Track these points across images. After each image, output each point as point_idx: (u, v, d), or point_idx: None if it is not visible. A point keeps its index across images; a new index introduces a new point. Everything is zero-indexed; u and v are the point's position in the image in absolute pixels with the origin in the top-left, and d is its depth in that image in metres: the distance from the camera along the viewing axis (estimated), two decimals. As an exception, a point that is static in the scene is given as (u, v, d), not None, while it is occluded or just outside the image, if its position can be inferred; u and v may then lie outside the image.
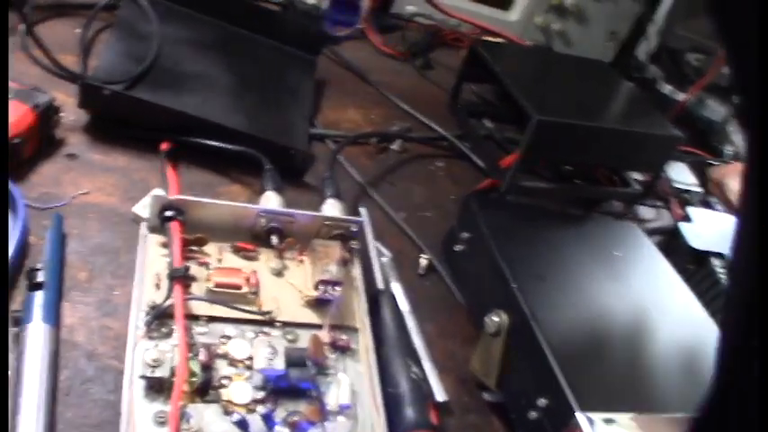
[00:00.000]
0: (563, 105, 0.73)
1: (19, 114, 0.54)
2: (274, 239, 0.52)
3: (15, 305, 0.47)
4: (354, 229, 0.54)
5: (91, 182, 0.57)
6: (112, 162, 0.60)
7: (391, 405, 0.48)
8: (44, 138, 0.57)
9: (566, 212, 0.74)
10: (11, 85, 0.56)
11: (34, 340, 0.44)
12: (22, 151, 0.54)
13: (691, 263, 0.75)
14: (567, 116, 0.70)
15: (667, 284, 0.64)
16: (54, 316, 0.46)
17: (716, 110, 1.08)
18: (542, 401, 0.49)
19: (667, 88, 0.96)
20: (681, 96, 0.96)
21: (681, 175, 0.96)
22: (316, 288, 0.50)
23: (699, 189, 0.96)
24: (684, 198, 0.91)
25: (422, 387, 0.51)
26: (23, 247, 0.50)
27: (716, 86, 1.06)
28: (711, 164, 1.01)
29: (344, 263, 0.53)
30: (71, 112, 0.61)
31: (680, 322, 0.60)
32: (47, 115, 0.56)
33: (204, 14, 0.72)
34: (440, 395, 0.54)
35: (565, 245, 0.64)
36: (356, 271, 0.54)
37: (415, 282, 0.64)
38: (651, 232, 0.77)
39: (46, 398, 0.42)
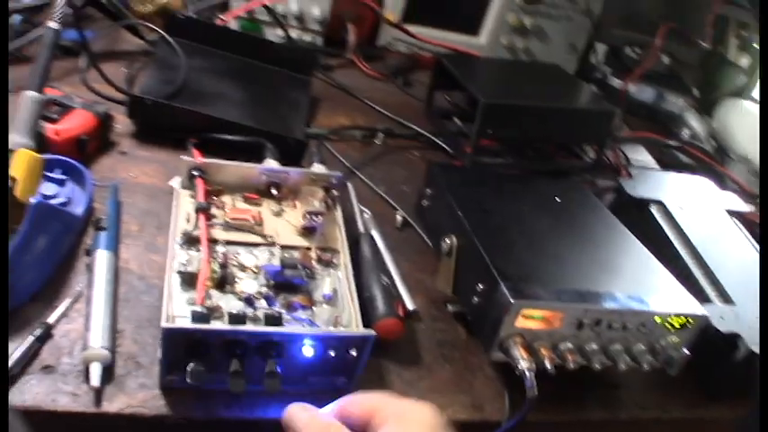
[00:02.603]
0: (509, 93, 0.90)
1: (85, 118, 0.74)
2: (273, 190, 0.69)
3: (86, 245, 0.65)
4: (335, 181, 0.71)
5: (138, 169, 0.76)
6: (154, 156, 0.79)
7: (366, 305, 0.64)
8: (103, 139, 0.77)
9: (514, 174, 0.90)
10: (78, 99, 0.76)
11: (100, 262, 0.62)
12: (87, 147, 0.74)
13: (634, 211, 0.89)
14: (511, 99, 0.87)
15: (598, 216, 0.79)
16: (114, 246, 0.64)
17: (673, 102, 1.23)
18: (480, 286, 0.64)
19: (616, 82, 1.12)
20: (629, 87, 1.12)
21: (638, 154, 1.10)
22: (303, 218, 0.67)
23: (656, 166, 1.11)
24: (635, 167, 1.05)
25: (390, 291, 0.67)
26: (89, 209, 0.68)
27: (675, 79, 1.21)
28: (670, 145, 1.16)
29: (327, 206, 0.70)
30: (122, 125, 0.81)
31: (599, 236, 0.74)
32: (105, 121, 0.76)
33: (221, 50, 0.93)
34: (410, 304, 0.69)
35: (510, 192, 0.79)
36: (338, 214, 0.71)
37: (393, 233, 0.80)
38: (598, 192, 0.92)
39: (111, 302, 0.59)
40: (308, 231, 0.68)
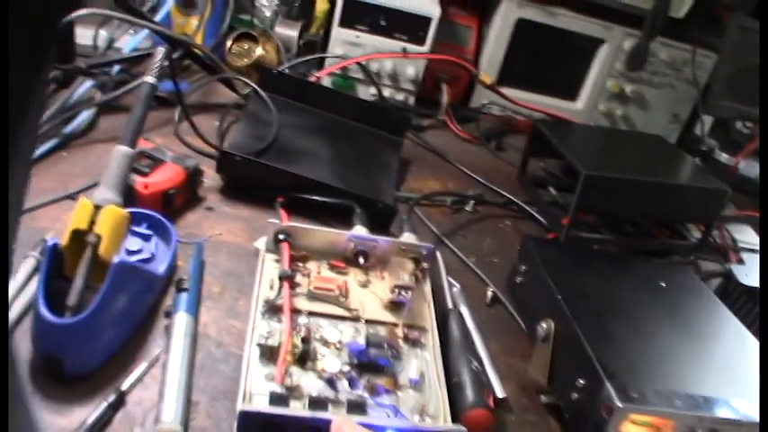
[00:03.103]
0: (611, 164, 0.85)
1: (175, 173, 0.73)
2: (361, 259, 0.66)
3: (166, 305, 0.63)
4: (425, 252, 0.67)
5: (223, 226, 0.74)
6: (239, 213, 0.77)
7: (454, 391, 0.58)
8: (191, 194, 0.76)
9: (614, 252, 0.83)
10: (169, 152, 0.75)
11: (179, 326, 0.59)
12: (175, 200, 0.72)
13: (745, 300, 0.81)
14: (614, 172, 0.81)
15: (708, 306, 0.71)
16: (194, 310, 0.62)
17: None
18: (581, 382, 0.58)
19: (723, 156, 1.04)
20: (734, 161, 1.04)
21: (745, 235, 1.02)
22: (392, 292, 0.63)
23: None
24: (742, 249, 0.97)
25: (480, 377, 0.61)
26: (172, 267, 0.66)
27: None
28: (776, 226, 1.06)
29: (416, 279, 0.66)
30: (210, 179, 0.79)
31: (711, 329, 0.67)
32: (194, 176, 0.75)
33: (313, 107, 0.92)
34: (499, 392, 0.64)
35: (611, 274, 0.73)
36: (426, 287, 0.67)
37: (481, 310, 0.75)
38: (707, 276, 0.85)
39: (187, 370, 0.56)
40: (394, 305, 0.63)
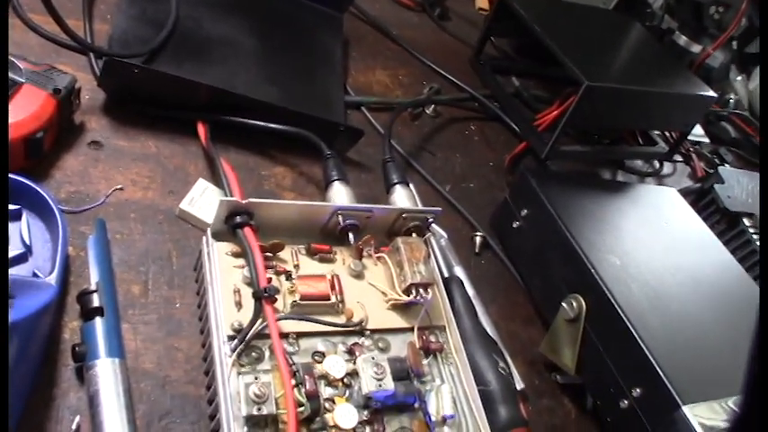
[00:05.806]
0: (607, 69, 0.70)
1: (39, 103, 0.46)
2: (351, 237, 0.47)
3: (68, 332, 0.41)
4: (431, 219, 0.50)
5: (123, 174, 0.50)
6: (141, 148, 0.52)
7: (483, 402, 0.45)
8: (64, 124, 0.49)
9: (613, 181, 0.72)
10: (22, 65, 0.47)
11: (105, 380, 0.38)
12: (43, 145, 0.46)
13: (723, 222, 0.75)
14: (613, 80, 0.67)
15: (718, 257, 0.64)
16: (120, 346, 0.41)
17: (715, 56, 1.05)
18: (637, 391, 0.47)
19: (683, 39, 0.92)
20: (695, 48, 0.93)
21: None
22: (407, 292, 0.45)
23: (706, 140, 0.96)
24: (703, 154, 0.90)
25: (511, 383, 0.49)
26: (65, 261, 0.43)
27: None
28: (718, 114, 1.00)
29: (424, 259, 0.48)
30: (87, 92, 0.53)
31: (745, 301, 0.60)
32: (68, 100, 0.48)
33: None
34: (518, 383, 0.52)
35: (621, 218, 0.62)
36: (433, 263, 0.50)
37: (471, 260, 0.61)
38: (683, 194, 0.76)
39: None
40: (403, 305, 0.47)
